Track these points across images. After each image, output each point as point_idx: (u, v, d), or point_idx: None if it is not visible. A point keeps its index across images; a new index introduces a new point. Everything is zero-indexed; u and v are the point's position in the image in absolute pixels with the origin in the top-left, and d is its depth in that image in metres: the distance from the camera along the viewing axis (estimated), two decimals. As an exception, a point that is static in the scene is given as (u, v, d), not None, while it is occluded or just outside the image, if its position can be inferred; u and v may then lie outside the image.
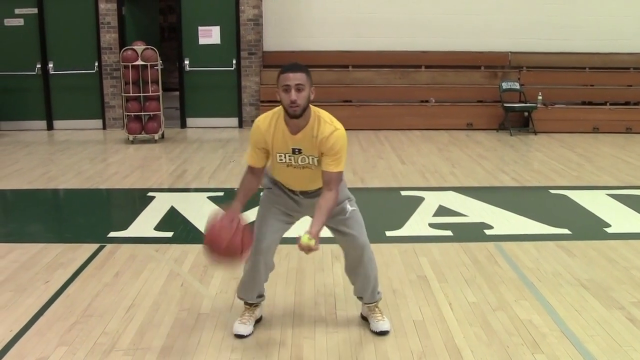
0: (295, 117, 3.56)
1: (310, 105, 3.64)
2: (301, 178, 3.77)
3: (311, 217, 3.81)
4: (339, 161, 3.62)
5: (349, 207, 3.88)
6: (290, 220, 3.97)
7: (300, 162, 3.69)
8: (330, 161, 3.61)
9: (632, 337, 3.92)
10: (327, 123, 3.63)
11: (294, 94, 3.50)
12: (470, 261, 5.20)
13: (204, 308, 4.34)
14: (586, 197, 7.15)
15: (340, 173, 3.66)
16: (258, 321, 4.10)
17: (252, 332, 3.98)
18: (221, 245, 3.49)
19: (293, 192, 3.87)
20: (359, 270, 3.96)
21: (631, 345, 3.83)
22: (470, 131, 11.71)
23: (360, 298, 4.10)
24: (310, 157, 3.67)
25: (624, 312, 4.27)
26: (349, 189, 3.97)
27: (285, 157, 3.69)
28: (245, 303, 4.05)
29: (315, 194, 3.81)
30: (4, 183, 7.90)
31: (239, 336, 3.92)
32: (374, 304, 4.06)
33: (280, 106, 3.65)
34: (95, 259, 5.23)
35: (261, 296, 4.08)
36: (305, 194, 3.85)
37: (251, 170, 3.81)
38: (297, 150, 3.65)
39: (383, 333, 3.96)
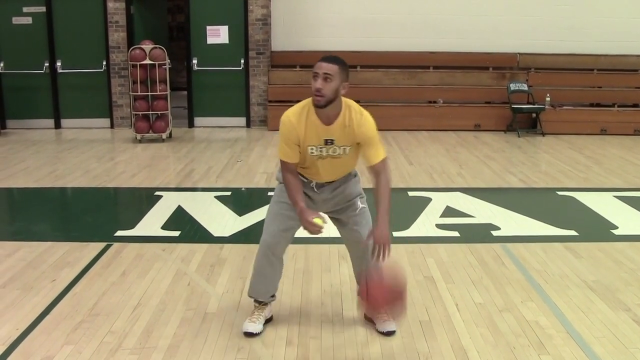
0: (319, 106, 3.57)
1: (342, 97, 3.66)
2: (330, 168, 3.77)
3: (324, 212, 3.92)
4: (379, 148, 3.72)
5: (359, 204, 3.91)
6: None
7: (331, 153, 3.70)
8: (373, 152, 3.71)
9: (638, 339, 3.91)
10: (357, 112, 3.69)
11: (319, 83, 3.52)
12: (477, 262, 5.19)
13: (210, 307, 4.35)
14: (593, 199, 7.13)
15: (386, 159, 3.74)
16: (268, 321, 4.09)
17: (262, 330, 3.97)
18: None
19: (310, 187, 3.85)
20: (361, 268, 3.96)
21: (637, 346, 3.82)
22: (478, 132, 11.68)
23: None
24: (341, 148, 3.70)
25: (630, 313, 4.26)
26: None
27: (316, 150, 3.68)
28: (255, 301, 4.05)
29: (331, 186, 3.84)
30: (11, 181, 7.93)
31: (249, 334, 3.90)
32: None
33: (307, 101, 3.67)
34: (102, 257, 5.24)
35: (273, 295, 4.07)
36: (322, 187, 3.84)
37: (287, 167, 3.74)
38: (329, 141, 3.66)
39: (390, 333, 3.96)
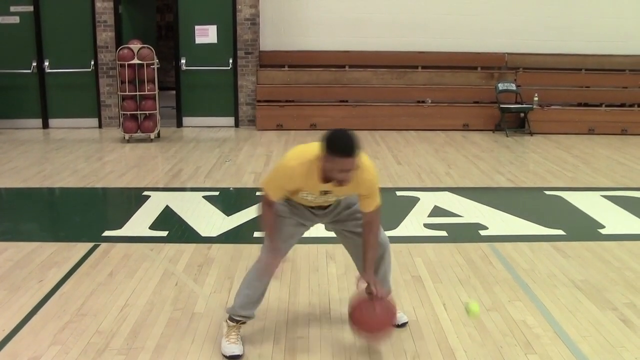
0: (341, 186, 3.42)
1: None
2: (323, 203, 3.70)
3: (325, 224, 3.86)
4: (376, 197, 3.60)
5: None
6: (304, 229, 3.87)
7: (326, 199, 3.62)
8: (370, 201, 3.59)
9: (624, 338, 3.94)
10: (361, 170, 3.45)
11: (349, 176, 3.33)
12: (465, 262, 5.20)
13: (198, 307, 4.34)
14: (581, 199, 7.16)
15: (380, 207, 3.63)
16: None
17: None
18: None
19: (309, 209, 3.75)
20: (378, 271, 3.88)
21: (624, 345, 3.84)
22: (466, 132, 11.71)
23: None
24: (337, 198, 3.63)
25: (617, 313, 4.28)
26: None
27: (310, 195, 3.58)
28: (232, 320, 3.80)
29: (332, 205, 3.75)
30: (-1, 181, 7.90)
31: (236, 357, 3.67)
32: None
33: (313, 157, 3.40)
34: (89, 257, 5.23)
35: None
36: (322, 208, 3.74)
37: (268, 201, 3.58)
38: (326, 192, 3.54)
39: (404, 325, 4.03)
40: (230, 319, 3.82)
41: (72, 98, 11.94)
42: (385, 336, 3.71)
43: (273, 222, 3.66)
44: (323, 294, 4.57)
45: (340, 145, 3.29)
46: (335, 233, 3.95)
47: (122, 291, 4.58)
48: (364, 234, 3.69)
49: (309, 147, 3.50)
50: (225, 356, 3.70)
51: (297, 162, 3.45)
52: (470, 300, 3.63)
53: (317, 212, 3.76)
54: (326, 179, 3.43)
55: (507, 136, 11.35)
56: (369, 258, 3.65)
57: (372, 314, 3.56)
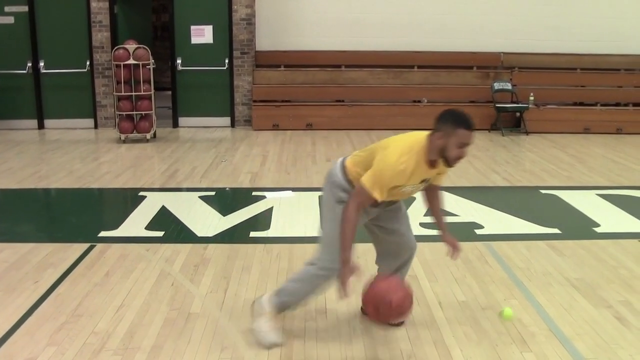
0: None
1: None
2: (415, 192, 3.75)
3: (371, 219, 3.86)
4: None
5: (402, 205, 3.89)
6: None
7: (420, 187, 3.69)
8: (444, 177, 3.88)
9: (619, 336, 3.95)
10: None
11: (466, 151, 3.39)
12: (461, 260, 5.20)
13: (194, 308, 4.34)
14: (576, 197, 7.17)
15: None
16: None
17: None
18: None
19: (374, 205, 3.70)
20: (402, 270, 3.98)
21: (618, 343, 3.85)
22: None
23: None
24: (429, 181, 3.70)
25: (612, 310, 4.30)
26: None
27: (410, 187, 3.60)
28: (278, 311, 3.90)
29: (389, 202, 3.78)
30: (-5, 182, 7.89)
31: (276, 345, 3.78)
32: None
33: (420, 146, 3.47)
34: (85, 258, 5.22)
35: None
36: (375, 205, 3.71)
37: (364, 204, 3.54)
38: (426, 180, 3.62)
39: (400, 324, 4.04)
40: (278, 309, 3.88)
41: (67, 99, 11.92)
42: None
43: (353, 232, 3.53)
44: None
45: (464, 119, 3.40)
46: (365, 227, 3.95)
47: (118, 292, 4.58)
48: (434, 202, 4.02)
49: (404, 141, 3.55)
50: (262, 343, 3.80)
51: (406, 157, 3.43)
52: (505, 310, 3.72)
53: (370, 210, 3.76)
54: (432, 163, 3.50)
55: (503, 135, 11.36)
56: (441, 219, 4.05)
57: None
